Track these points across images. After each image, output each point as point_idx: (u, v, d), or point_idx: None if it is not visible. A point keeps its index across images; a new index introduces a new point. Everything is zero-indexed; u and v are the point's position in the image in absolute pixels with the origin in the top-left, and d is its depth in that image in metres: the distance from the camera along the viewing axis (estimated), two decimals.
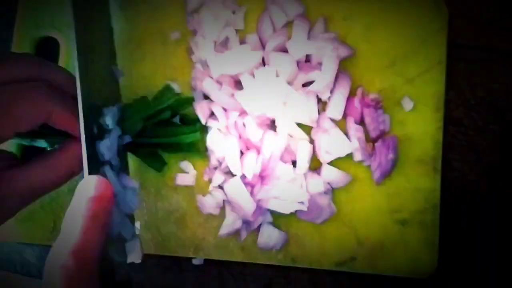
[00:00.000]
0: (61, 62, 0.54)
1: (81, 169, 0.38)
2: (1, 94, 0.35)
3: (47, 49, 0.55)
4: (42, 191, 0.39)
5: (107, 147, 0.42)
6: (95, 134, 0.41)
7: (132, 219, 0.44)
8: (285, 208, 0.49)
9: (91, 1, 0.46)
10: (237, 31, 0.53)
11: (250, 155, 0.48)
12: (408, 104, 0.51)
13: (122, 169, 0.45)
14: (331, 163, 0.50)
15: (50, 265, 0.32)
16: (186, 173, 0.52)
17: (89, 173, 0.38)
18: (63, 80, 0.41)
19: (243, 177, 0.49)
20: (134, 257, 0.42)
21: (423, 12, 0.52)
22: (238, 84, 0.51)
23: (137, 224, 0.46)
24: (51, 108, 0.38)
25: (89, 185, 0.35)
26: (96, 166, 0.40)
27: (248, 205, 0.48)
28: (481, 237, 0.52)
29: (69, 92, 0.40)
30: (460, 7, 0.53)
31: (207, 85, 0.50)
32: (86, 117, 0.39)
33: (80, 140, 0.39)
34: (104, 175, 0.40)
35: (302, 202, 0.49)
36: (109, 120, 0.43)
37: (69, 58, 0.54)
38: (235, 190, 0.48)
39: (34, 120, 0.37)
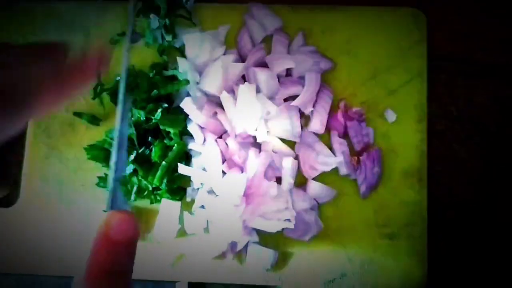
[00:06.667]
0: None
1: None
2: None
3: None
4: None
5: (123, 161, 0.39)
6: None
7: None
8: (271, 226, 0.47)
9: None
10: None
11: (233, 175, 0.47)
12: (391, 116, 0.51)
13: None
14: (316, 178, 0.49)
15: None
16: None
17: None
18: None
19: (227, 197, 0.47)
20: None
21: (402, 24, 0.52)
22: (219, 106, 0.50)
23: None
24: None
25: (112, 223, 0.29)
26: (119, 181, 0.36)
27: (233, 226, 0.46)
28: (469, 246, 0.52)
29: None
30: (439, 19, 0.53)
31: (185, 104, 0.49)
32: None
33: None
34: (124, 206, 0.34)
35: (288, 220, 0.48)
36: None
37: None
38: (219, 210, 0.47)
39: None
